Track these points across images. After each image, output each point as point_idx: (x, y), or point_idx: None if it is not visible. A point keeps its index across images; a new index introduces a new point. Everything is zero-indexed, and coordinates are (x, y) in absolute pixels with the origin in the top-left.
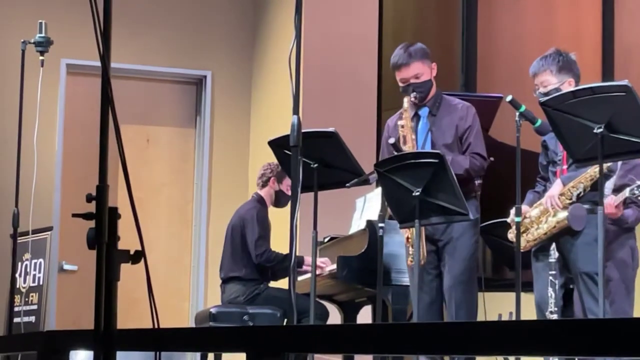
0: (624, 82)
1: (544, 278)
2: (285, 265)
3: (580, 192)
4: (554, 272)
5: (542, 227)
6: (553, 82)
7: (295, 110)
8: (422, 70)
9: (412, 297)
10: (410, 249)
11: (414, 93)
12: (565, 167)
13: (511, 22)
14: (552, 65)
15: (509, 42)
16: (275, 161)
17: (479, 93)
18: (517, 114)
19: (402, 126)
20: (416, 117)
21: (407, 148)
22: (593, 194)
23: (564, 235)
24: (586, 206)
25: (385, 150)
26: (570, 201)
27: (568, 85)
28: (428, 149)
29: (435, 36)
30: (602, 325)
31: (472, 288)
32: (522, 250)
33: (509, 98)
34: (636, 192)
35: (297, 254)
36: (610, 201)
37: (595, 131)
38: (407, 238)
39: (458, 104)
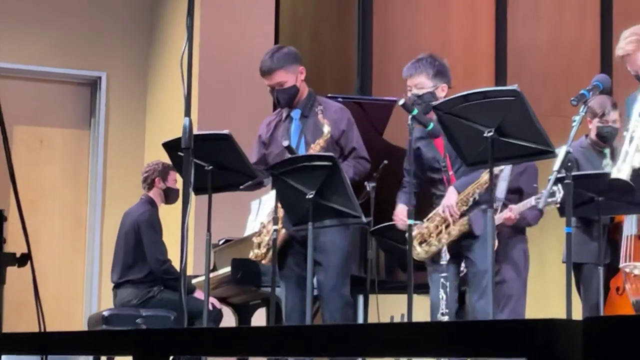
0: (514, 86)
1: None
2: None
3: (476, 197)
4: (444, 275)
5: (444, 237)
6: (428, 85)
7: (187, 113)
8: (284, 78)
9: (282, 295)
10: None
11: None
12: (451, 172)
13: (407, 26)
14: (429, 69)
15: (404, 45)
16: (155, 160)
17: (373, 96)
18: (410, 117)
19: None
20: (289, 118)
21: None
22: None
23: (465, 239)
24: (483, 207)
25: (256, 147)
26: (467, 207)
27: (441, 91)
28: (302, 150)
29: (331, 39)
30: (491, 326)
31: (346, 293)
32: (420, 259)
33: (401, 102)
34: (540, 205)
35: (189, 256)
36: (512, 215)
37: (485, 135)
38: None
39: (332, 106)
